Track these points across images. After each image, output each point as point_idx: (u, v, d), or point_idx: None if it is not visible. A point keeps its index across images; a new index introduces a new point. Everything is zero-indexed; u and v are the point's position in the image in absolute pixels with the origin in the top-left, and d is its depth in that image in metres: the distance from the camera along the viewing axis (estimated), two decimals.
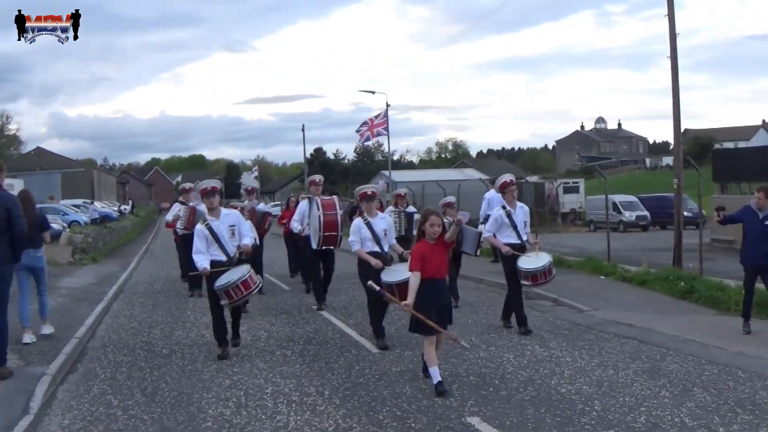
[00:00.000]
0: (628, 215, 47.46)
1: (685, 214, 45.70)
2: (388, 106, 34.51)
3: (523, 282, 11.59)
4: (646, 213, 47.40)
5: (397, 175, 55.21)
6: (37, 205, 12.47)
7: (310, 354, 10.28)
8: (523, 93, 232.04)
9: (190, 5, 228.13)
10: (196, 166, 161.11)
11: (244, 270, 10.02)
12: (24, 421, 7.24)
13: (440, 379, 8.07)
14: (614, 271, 17.61)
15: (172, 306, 15.07)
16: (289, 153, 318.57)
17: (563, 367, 9.18)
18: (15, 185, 53.99)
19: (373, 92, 43.88)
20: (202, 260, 10.08)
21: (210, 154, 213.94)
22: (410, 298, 8.03)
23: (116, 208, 63.41)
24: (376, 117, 34.40)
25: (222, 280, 9.86)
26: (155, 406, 7.85)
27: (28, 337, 10.86)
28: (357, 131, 36.19)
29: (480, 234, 13.67)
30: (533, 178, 78.70)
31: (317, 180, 14.95)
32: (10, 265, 9.10)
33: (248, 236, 10.67)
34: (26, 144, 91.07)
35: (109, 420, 7.38)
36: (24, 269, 10.93)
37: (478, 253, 14.55)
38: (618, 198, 49.79)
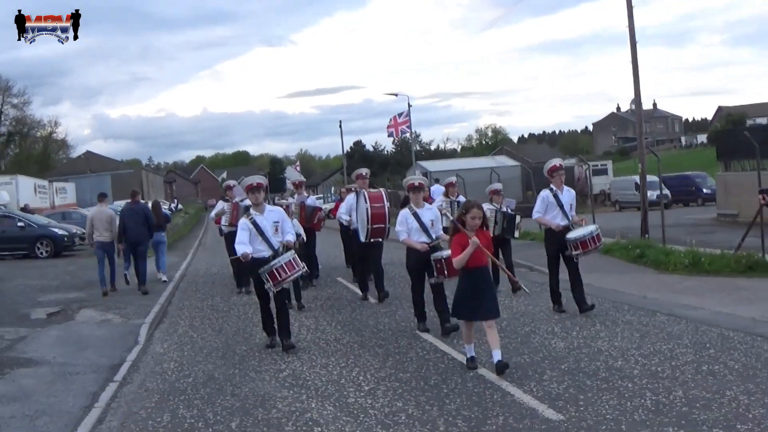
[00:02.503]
0: (649, 194, 50.40)
1: (705, 191, 49.29)
2: (410, 106, 38.67)
3: (574, 252, 12.08)
4: (666, 192, 50.50)
5: (431, 165, 58.58)
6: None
7: (327, 306, 14.56)
8: (563, 75, 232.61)
9: (225, 2, 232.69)
10: (241, 162, 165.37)
11: (288, 254, 10.48)
12: (136, 348, 11.51)
13: (473, 355, 8.99)
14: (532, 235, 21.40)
15: (228, 282, 19.11)
16: (332, 146, 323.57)
17: (502, 307, 13.25)
18: (67, 189, 58.80)
19: (396, 95, 47.70)
20: (243, 248, 10.45)
21: (254, 150, 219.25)
22: (467, 252, 8.65)
23: (167, 207, 68.12)
24: (400, 115, 38.47)
25: (266, 266, 10.42)
26: (222, 335, 12.24)
27: (162, 276, 20.08)
28: (388, 128, 40.56)
29: (515, 216, 14.81)
30: (571, 161, 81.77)
31: (363, 173, 15.45)
32: (149, 240, 18.70)
33: (290, 233, 10.93)
34: (74, 147, 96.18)
35: (193, 343, 11.70)
36: (153, 243, 19.50)
37: (517, 235, 15.24)
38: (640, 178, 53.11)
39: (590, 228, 12.37)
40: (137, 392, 8.94)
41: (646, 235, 21.64)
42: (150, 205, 20.44)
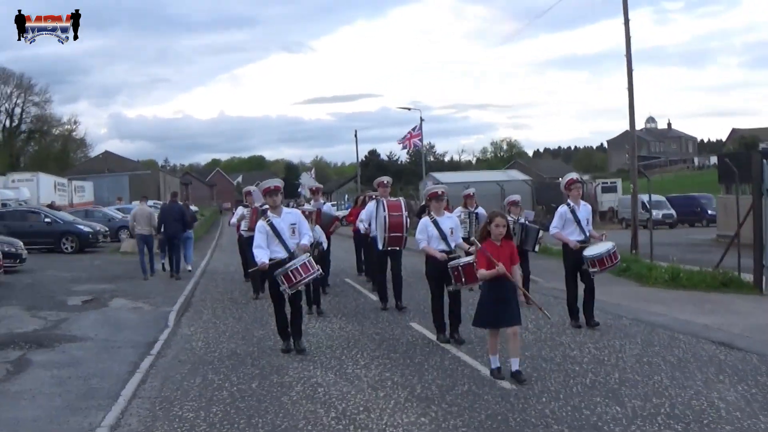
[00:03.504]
0: (655, 213, 51.92)
1: (709, 212, 50.84)
2: (422, 120, 40.64)
3: (591, 269, 12.35)
4: (672, 212, 52.01)
5: (443, 176, 60.36)
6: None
7: (335, 302, 16.39)
8: (581, 91, 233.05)
9: (245, 7, 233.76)
10: (256, 166, 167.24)
11: (303, 257, 10.82)
12: (167, 330, 13.38)
13: (498, 365, 9.22)
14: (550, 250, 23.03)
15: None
16: (347, 153, 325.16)
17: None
18: (85, 187, 60.66)
19: (409, 108, 49.65)
20: (261, 255, 10.85)
21: (270, 155, 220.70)
22: (491, 273, 9.04)
23: None
24: (414, 129, 40.45)
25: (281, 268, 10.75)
26: (242, 322, 14.20)
27: (188, 267, 23.42)
28: (398, 142, 42.57)
29: (539, 230, 15.11)
30: (585, 178, 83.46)
31: (385, 182, 15.74)
32: (182, 234, 22.02)
33: (307, 235, 11.27)
34: (92, 147, 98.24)
35: (216, 328, 13.61)
36: (182, 238, 22.59)
37: (537, 249, 15.48)
38: (646, 197, 54.64)
39: (608, 245, 12.55)
40: (172, 362, 10.86)
41: (634, 251, 23.35)
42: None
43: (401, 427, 7.53)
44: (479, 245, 9.35)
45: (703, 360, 10.28)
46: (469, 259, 10.77)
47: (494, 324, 9.20)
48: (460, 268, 10.92)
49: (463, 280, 10.90)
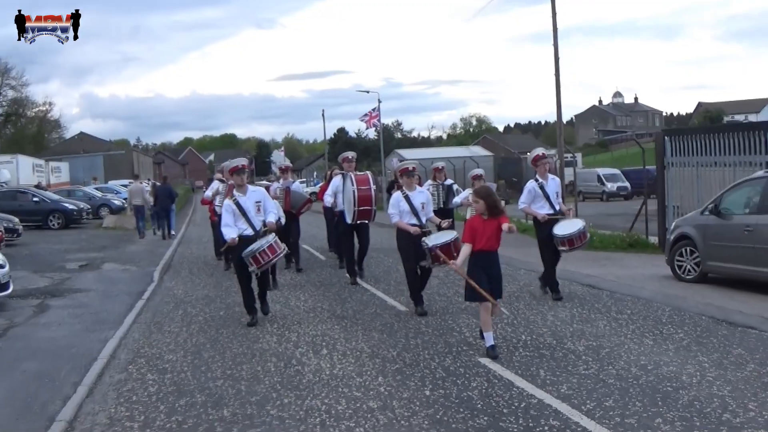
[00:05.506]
0: (610, 186, 54.67)
1: None
2: (379, 102, 43.85)
3: (561, 248, 12.82)
4: (626, 184, 54.48)
5: (408, 153, 63.62)
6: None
7: (307, 273, 19.92)
8: (552, 65, 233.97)
9: None
10: (228, 144, 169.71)
11: (269, 237, 11.42)
12: (152, 284, 16.85)
13: (493, 343, 9.34)
14: (519, 225, 26.34)
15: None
16: (319, 130, 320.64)
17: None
18: (62, 168, 63.38)
19: (368, 92, 52.94)
20: (230, 232, 11.40)
21: (241, 132, 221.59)
22: (460, 261, 9.49)
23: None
24: (374, 110, 43.82)
25: (248, 248, 11.33)
26: (213, 277, 17.81)
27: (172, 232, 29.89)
28: (360, 119, 46.00)
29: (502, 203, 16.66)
30: (551, 152, 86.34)
31: (350, 157, 16.06)
32: (171, 206, 29.62)
33: (272, 213, 11.78)
34: (67, 128, 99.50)
35: (194, 283, 17.13)
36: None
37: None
38: (602, 171, 57.30)
39: (578, 224, 12.98)
40: (159, 303, 14.50)
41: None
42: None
43: (320, 331, 11.31)
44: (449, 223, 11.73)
45: (563, 294, 13.67)
46: (445, 239, 11.32)
47: (483, 297, 9.29)
48: (437, 249, 11.05)
49: (441, 258, 10.87)
